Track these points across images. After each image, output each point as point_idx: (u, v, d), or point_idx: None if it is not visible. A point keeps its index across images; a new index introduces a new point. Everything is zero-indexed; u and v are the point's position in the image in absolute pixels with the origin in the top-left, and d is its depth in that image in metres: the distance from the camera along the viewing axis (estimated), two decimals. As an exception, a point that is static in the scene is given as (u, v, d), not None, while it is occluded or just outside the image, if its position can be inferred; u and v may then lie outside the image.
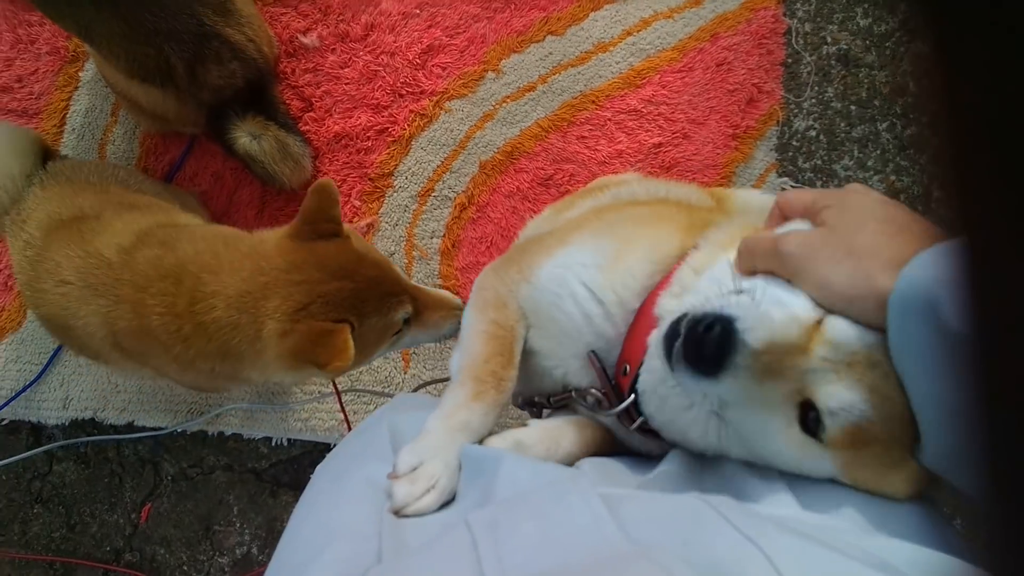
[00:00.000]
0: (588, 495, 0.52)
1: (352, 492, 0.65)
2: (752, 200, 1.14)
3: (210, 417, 1.61)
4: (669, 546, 0.45)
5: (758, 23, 1.59)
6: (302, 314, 0.93)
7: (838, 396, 0.53)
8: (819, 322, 0.55)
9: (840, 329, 0.53)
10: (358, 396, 1.59)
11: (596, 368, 0.71)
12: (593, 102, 1.61)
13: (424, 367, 1.59)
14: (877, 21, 1.59)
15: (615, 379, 0.71)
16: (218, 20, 1.35)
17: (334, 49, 1.64)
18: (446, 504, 0.65)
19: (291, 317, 0.93)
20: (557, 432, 0.71)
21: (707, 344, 0.54)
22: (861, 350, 0.53)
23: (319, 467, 0.74)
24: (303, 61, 1.64)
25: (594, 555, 0.45)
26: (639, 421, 0.69)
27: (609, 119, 1.61)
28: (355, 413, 1.58)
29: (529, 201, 1.60)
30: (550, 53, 1.62)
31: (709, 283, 0.62)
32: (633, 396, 0.68)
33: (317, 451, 1.63)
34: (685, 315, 0.58)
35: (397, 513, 0.62)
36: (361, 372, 1.59)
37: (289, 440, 1.63)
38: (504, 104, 1.63)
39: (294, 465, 1.65)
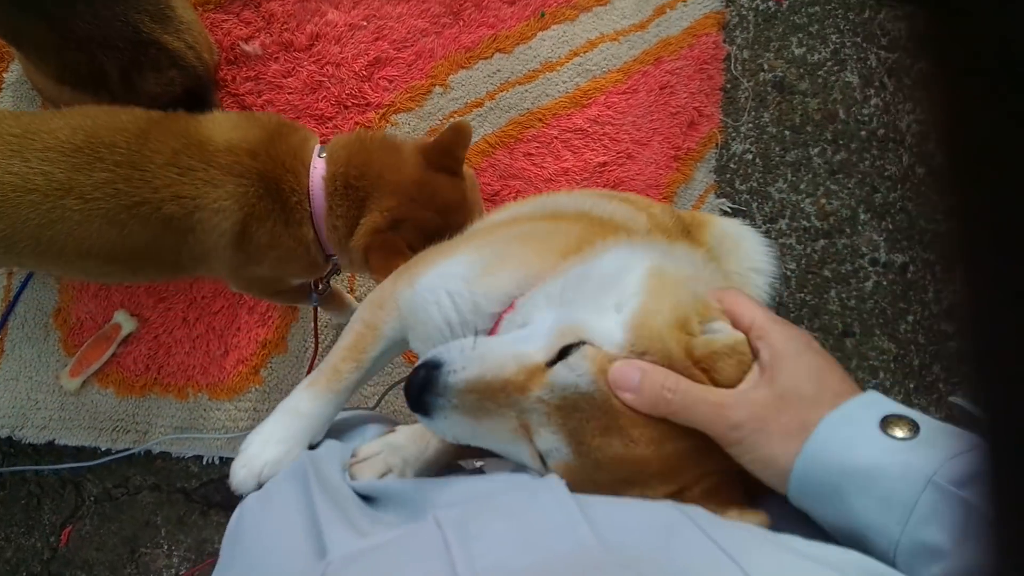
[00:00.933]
0: (561, 495, 0.51)
1: (280, 500, 0.65)
2: (729, 232, 1.09)
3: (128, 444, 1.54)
4: (644, 553, 0.44)
5: (700, 49, 1.63)
6: (394, 223, 1.04)
7: (545, 439, 0.55)
8: (551, 363, 0.56)
9: (560, 374, 0.55)
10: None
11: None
12: (540, 120, 1.62)
13: (376, 377, 1.56)
14: (811, 50, 1.66)
15: None
16: (155, 27, 1.30)
17: (277, 58, 1.60)
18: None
19: (386, 219, 1.05)
20: (426, 432, 0.73)
21: (412, 386, 0.57)
22: (574, 395, 0.54)
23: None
24: (244, 69, 1.60)
25: (569, 559, 0.44)
26: None
27: (555, 137, 1.62)
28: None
29: (475, 216, 1.60)
30: (498, 70, 1.63)
31: (509, 319, 0.65)
32: None
33: (252, 470, 1.57)
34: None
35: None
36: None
37: (221, 459, 1.57)
38: (451, 119, 1.62)
39: (226, 484, 1.58)
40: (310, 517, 0.59)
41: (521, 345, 0.58)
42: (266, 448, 0.71)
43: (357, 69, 1.61)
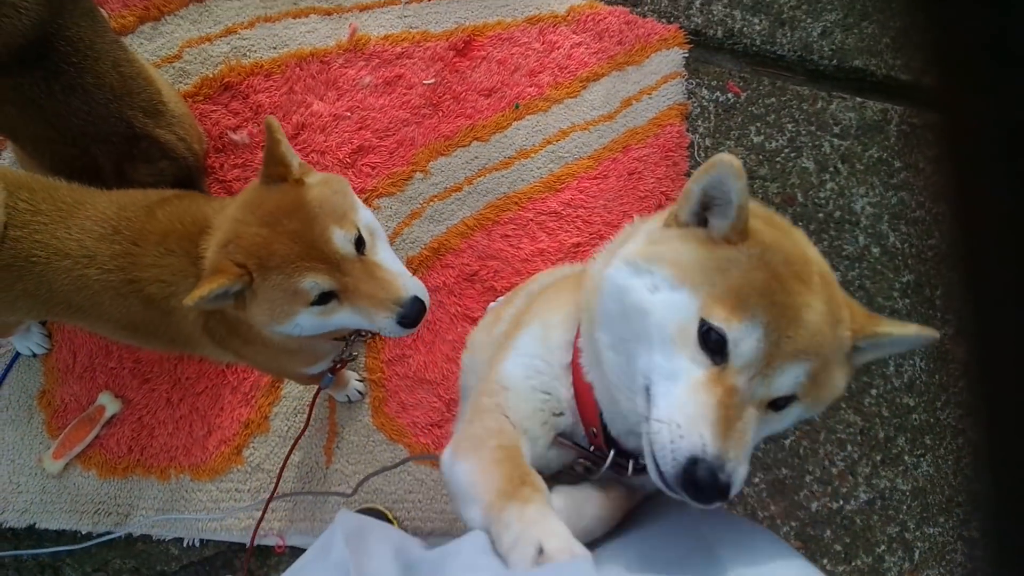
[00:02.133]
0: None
1: None
2: None
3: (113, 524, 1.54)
4: None
5: (665, 137, 1.74)
6: (222, 250, 0.95)
7: (779, 385, 0.63)
8: (721, 368, 0.63)
9: (737, 353, 0.62)
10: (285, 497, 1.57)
11: (567, 444, 0.78)
12: (516, 203, 1.71)
13: (347, 461, 1.59)
14: (768, 138, 1.78)
15: (590, 445, 0.78)
16: (148, 122, 1.37)
17: (263, 146, 1.68)
18: None
19: (216, 249, 0.96)
20: (581, 497, 0.76)
21: (706, 491, 0.61)
22: (759, 353, 0.62)
23: None
24: (232, 156, 1.67)
25: None
26: (631, 464, 0.75)
27: (531, 219, 1.70)
28: (272, 511, 1.55)
29: (455, 296, 1.66)
30: (476, 157, 1.72)
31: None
32: (612, 450, 0.75)
33: (231, 551, 1.58)
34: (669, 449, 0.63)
35: None
36: (268, 480, 1.57)
37: (202, 541, 1.57)
38: (431, 203, 1.70)
39: (207, 567, 1.59)
40: None
41: (684, 386, 0.63)
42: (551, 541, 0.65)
43: (341, 156, 1.69)
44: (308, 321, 0.97)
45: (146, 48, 1.70)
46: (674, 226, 0.70)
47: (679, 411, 0.62)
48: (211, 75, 1.69)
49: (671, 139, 1.73)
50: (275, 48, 1.72)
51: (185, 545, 1.57)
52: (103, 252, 1.06)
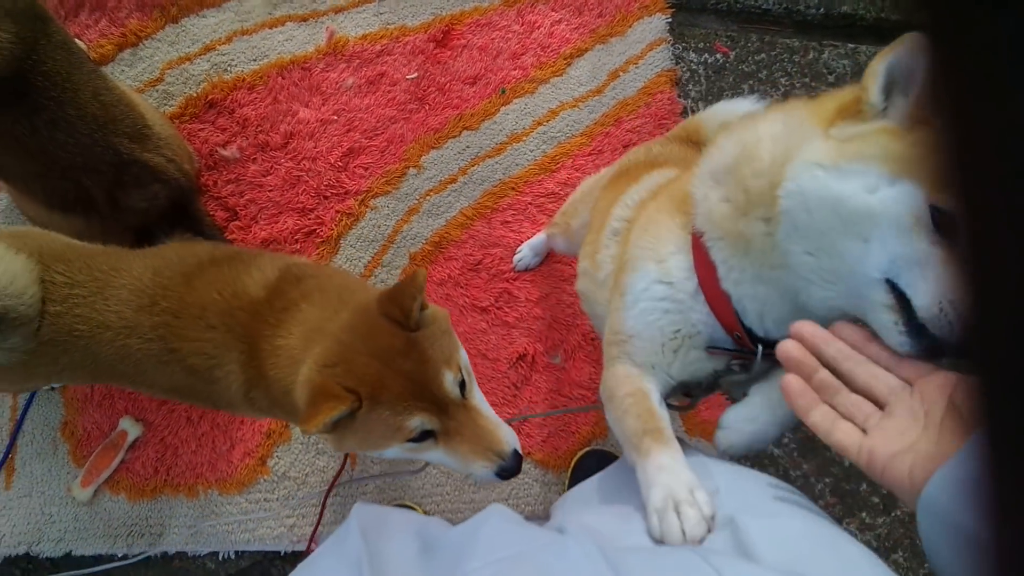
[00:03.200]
0: (590, 550, 0.55)
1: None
2: (719, 117, 1.22)
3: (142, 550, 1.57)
4: None
5: (656, 106, 1.71)
6: (327, 369, 0.92)
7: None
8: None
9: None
10: (307, 498, 1.58)
11: (718, 352, 0.80)
12: (513, 188, 1.69)
13: (373, 463, 1.59)
14: (763, 96, 1.74)
15: (737, 348, 0.80)
16: (135, 147, 1.37)
17: (255, 159, 1.68)
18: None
19: (318, 366, 0.93)
20: (772, 389, 0.78)
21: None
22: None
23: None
24: (224, 172, 1.68)
25: None
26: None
27: (530, 203, 1.69)
28: (302, 516, 1.57)
29: (461, 287, 1.66)
30: (467, 147, 1.71)
31: None
32: (760, 346, 0.77)
33: (267, 560, 1.60)
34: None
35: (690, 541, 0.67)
36: (296, 487, 1.58)
37: (237, 552, 1.59)
38: (428, 197, 1.69)
39: (244, 577, 1.61)
40: None
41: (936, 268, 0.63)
42: (682, 491, 0.71)
43: (332, 161, 1.68)
44: (396, 453, 0.97)
45: (128, 74, 1.71)
46: (857, 119, 0.68)
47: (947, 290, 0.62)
48: (194, 94, 1.69)
49: (663, 107, 1.71)
50: (255, 60, 1.72)
51: (221, 558, 1.59)
52: (143, 323, 1.05)
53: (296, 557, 1.58)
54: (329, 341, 0.94)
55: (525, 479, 1.60)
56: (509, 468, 0.97)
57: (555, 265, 1.67)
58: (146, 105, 1.47)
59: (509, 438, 0.99)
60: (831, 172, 0.65)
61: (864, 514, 1.62)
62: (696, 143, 1.20)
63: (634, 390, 0.81)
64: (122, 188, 1.38)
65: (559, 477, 1.61)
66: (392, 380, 0.90)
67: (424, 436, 0.94)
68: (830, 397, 0.64)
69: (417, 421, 0.92)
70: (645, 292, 0.82)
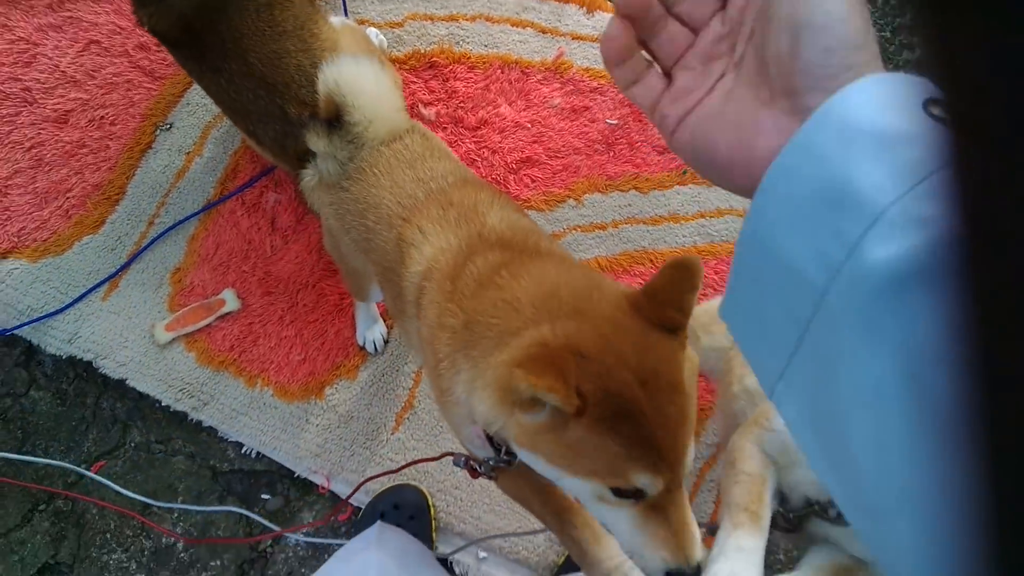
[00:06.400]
0: None
1: None
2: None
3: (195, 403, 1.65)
4: None
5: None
6: (561, 351, 0.71)
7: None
8: None
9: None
10: (344, 450, 1.63)
11: None
12: (651, 261, 1.75)
13: (412, 435, 1.64)
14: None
15: None
16: (304, 111, 1.43)
17: (445, 127, 1.79)
18: None
19: (564, 338, 0.72)
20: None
21: None
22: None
23: None
24: (415, 127, 1.79)
25: None
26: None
27: (658, 280, 1.74)
28: (327, 451, 1.62)
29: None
30: (629, 204, 1.77)
31: None
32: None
33: (279, 473, 1.65)
34: None
35: None
36: (338, 423, 1.64)
37: (258, 453, 1.65)
38: (573, 231, 1.76)
39: (251, 480, 1.66)
40: None
41: None
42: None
43: (509, 161, 1.77)
44: (578, 488, 0.76)
45: (376, 9, 1.86)
46: None
47: None
48: (423, 51, 1.82)
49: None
50: (486, 46, 1.84)
51: (243, 452, 1.65)
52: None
53: (307, 484, 1.63)
54: (584, 324, 0.73)
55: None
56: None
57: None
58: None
59: (699, 545, 0.79)
60: None
61: None
62: None
63: (756, 473, 0.86)
64: (292, 138, 1.44)
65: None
66: (635, 409, 0.70)
67: (634, 495, 0.74)
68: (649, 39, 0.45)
69: (646, 480, 0.72)
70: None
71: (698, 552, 0.77)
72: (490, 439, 0.86)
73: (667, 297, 0.73)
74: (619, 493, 0.73)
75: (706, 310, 1.37)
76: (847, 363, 0.34)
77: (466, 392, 0.81)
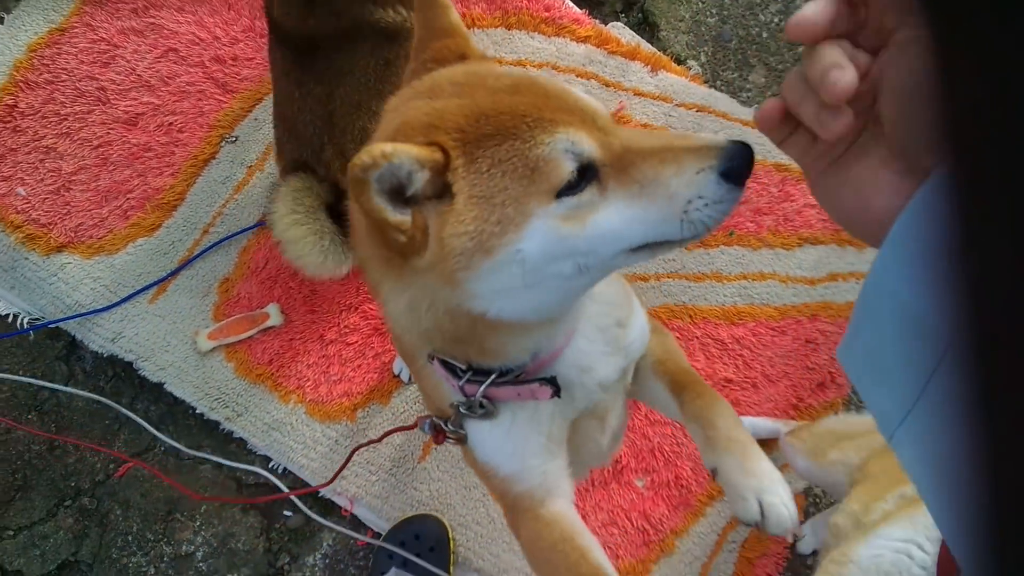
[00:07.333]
0: None
1: None
2: None
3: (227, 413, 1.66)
4: None
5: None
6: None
7: None
8: None
9: None
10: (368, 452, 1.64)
11: None
12: (690, 316, 1.76)
13: (437, 465, 1.64)
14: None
15: None
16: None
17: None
18: None
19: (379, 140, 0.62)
20: None
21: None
22: None
23: None
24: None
25: None
26: None
27: (697, 337, 1.75)
28: (354, 475, 1.62)
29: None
30: (674, 260, 1.79)
31: None
32: None
33: (303, 487, 1.65)
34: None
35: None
36: (388, 442, 1.64)
37: (284, 469, 1.66)
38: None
39: (274, 494, 1.67)
40: None
41: None
42: None
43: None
44: (544, 239, 0.59)
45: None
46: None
47: None
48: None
49: (860, 328, 1.75)
50: (547, 92, 1.89)
51: (270, 466, 1.66)
52: None
53: (330, 504, 1.63)
54: (387, 116, 0.67)
55: None
56: (737, 156, 0.61)
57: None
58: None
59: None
60: None
61: None
62: None
63: None
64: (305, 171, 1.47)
65: None
66: (504, 104, 0.59)
67: (586, 176, 0.59)
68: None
69: (563, 140, 0.58)
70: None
71: (706, 137, 0.62)
72: (449, 367, 0.73)
73: (432, 34, 0.69)
74: (574, 187, 0.59)
75: (838, 423, 1.43)
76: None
77: (392, 318, 0.71)
